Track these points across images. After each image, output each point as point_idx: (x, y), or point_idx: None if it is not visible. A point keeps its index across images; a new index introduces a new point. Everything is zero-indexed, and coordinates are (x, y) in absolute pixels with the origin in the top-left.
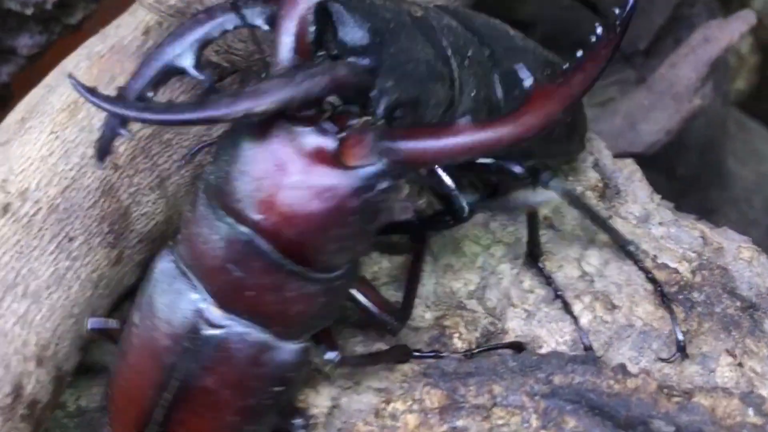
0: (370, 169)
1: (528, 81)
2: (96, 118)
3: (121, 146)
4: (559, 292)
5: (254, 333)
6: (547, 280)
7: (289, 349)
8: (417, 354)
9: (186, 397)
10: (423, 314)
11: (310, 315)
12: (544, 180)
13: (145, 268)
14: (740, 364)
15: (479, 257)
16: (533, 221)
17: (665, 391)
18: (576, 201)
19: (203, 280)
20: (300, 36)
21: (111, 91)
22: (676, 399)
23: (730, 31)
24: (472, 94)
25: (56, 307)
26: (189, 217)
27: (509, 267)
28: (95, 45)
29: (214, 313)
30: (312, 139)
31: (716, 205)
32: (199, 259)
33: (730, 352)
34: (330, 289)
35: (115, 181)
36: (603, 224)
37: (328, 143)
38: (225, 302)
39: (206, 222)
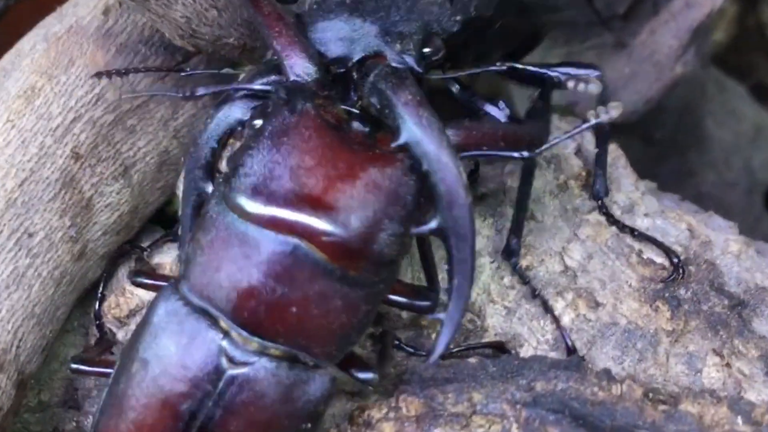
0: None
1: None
2: (54, 104)
3: (82, 134)
4: (537, 291)
5: (284, 367)
6: (523, 280)
7: (320, 380)
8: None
9: None
10: (399, 313)
11: (352, 327)
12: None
13: (110, 264)
14: (728, 365)
15: None
16: (521, 212)
17: (651, 396)
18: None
19: (230, 310)
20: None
21: (68, 75)
22: (662, 407)
23: None
24: None
25: (16, 308)
26: (205, 241)
27: (488, 260)
28: (52, 25)
29: (239, 349)
30: (361, 128)
31: (694, 168)
32: (223, 285)
33: (718, 352)
34: (373, 293)
35: (76, 172)
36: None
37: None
38: (260, 328)
39: (235, 239)
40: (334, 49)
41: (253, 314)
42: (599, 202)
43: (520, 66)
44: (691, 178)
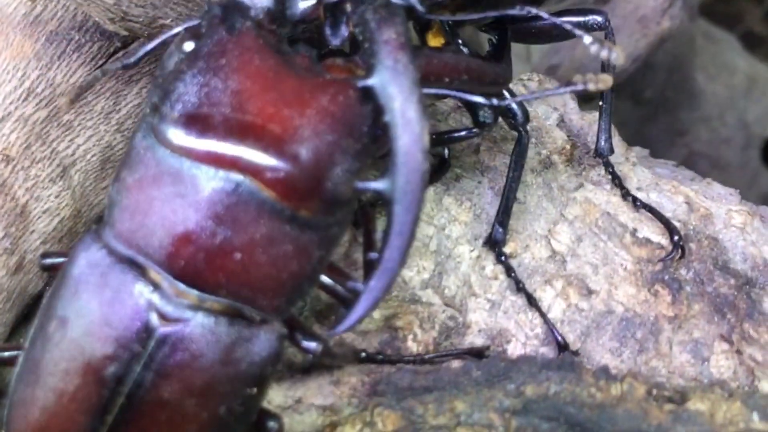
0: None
1: None
2: None
3: (12, 134)
4: (521, 285)
5: (224, 323)
6: (508, 271)
7: (265, 338)
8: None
9: (137, 415)
10: (364, 318)
11: (303, 276)
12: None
13: (51, 274)
14: (738, 351)
15: (433, 239)
16: (510, 197)
17: (655, 394)
18: None
19: (163, 259)
20: None
21: None
22: (668, 407)
23: None
24: None
25: None
26: (132, 180)
27: (468, 249)
28: None
29: (172, 303)
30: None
31: (686, 125)
32: (155, 231)
33: (726, 338)
34: (327, 238)
35: (7, 177)
36: None
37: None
38: (198, 279)
39: (168, 177)
40: None
41: (190, 263)
42: (604, 160)
43: (540, 12)
44: (683, 136)
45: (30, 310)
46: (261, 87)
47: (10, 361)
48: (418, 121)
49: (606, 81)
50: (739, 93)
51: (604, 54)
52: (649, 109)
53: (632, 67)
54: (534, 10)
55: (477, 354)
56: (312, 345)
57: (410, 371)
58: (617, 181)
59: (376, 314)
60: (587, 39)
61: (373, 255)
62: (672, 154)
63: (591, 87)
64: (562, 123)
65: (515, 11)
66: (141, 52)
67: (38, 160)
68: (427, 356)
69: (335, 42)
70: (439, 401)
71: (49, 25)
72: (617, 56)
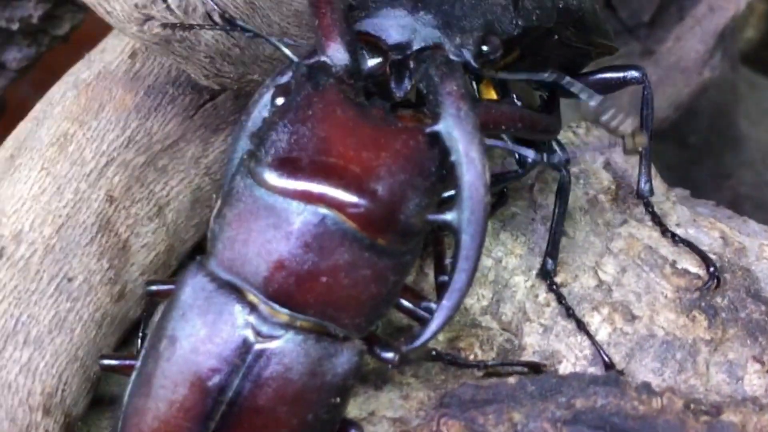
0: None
1: None
2: (87, 149)
3: (115, 177)
4: (570, 311)
5: (311, 340)
6: (559, 299)
7: (348, 353)
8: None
9: (236, 421)
10: (436, 336)
11: (380, 297)
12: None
13: (149, 303)
14: None
15: (491, 270)
16: (557, 232)
17: (692, 407)
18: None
19: (260, 282)
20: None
21: (99, 120)
22: (704, 418)
23: None
24: None
25: (60, 352)
26: (232, 215)
27: (523, 279)
28: (81, 72)
29: (267, 323)
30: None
31: (730, 169)
32: (252, 258)
33: (758, 359)
34: (400, 264)
35: (111, 215)
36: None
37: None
38: (290, 299)
39: (264, 211)
40: (395, 36)
41: (283, 285)
42: (645, 200)
43: (568, 79)
44: (727, 179)
45: (129, 335)
46: (342, 134)
47: (121, 369)
48: (480, 160)
49: (641, 142)
50: None
51: (614, 124)
52: (693, 153)
53: (675, 114)
54: (562, 76)
55: (534, 367)
56: (390, 355)
57: (472, 386)
58: (657, 219)
59: (441, 336)
60: (602, 114)
61: (444, 278)
62: (718, 196)
63: (628, 145)
64: (608, 165)
65: (545, 76)
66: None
67: (137, 200)
68: (489, 363)
69: (399, 93)
70: (498, 412)
71: (147, 80)
72: (627, 126)
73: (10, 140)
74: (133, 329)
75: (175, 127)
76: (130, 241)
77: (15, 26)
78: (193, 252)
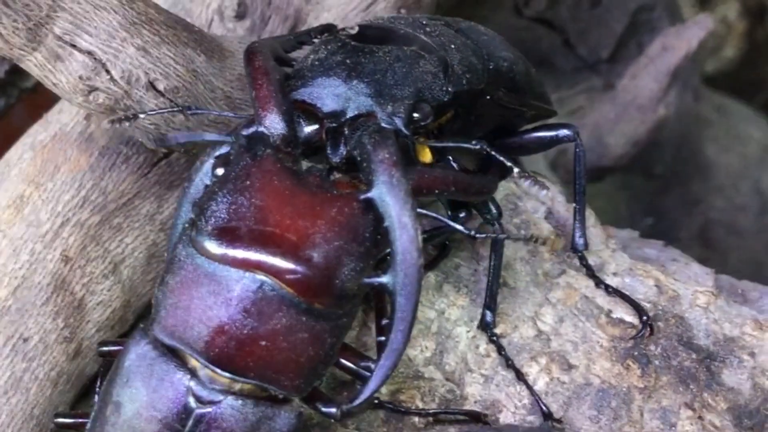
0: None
1: None
2: (43, 211)
3: (70, 237)
4: (510, 361)
5: (250, 404)
6: (499, 350)
7: (286, 415)
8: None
9: None
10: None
11: (319, 359)
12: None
13: (106, 359)
14: (700, 417)
15: (434, 322)
16: (494, 286)
17: None
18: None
19: (201, 347)
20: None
21: (54, 182)
22: None
23: (688, 39)
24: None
25: (15, 412)
26: (174, 282)
27: (465, 330)
28: (38, 133)
29: (206, 388)
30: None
31: (700, 195)
32: (194, 324)
33: (690, 406)
34: (338, 327)
35: (66, 275)
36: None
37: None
38: (231, 363)
39: (204, 279)
40: (330, 104)
41: (224, 349)
42: (579, 254)
43: (491, 152)
44: (696, 206)
45: (88, 390)
46: (279, 203)
47: (75, 427)
48: (412, 225)
49: (557, 244)
50: (753, 162)
51: (534, 191)
52: (660, 183)
53: (634, 149)
54: (486, 147)
55: (475, 416)
56: (332, 411)
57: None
58: (590, 272)
59: (384, 389)
60: (521, 179)
61: (382, 338)
62: (688, 223)
63: (547, 247)
64: (550, 215)
65: (470, 145)
66: (173, 141)
67: (93, 259)
68: (431, 410)
69: (335, 159)
70: None
71: (101, 140)
72: (546, 193)
73: None
74: (91, 384)
75: (130, 185)
76: (85, 300)
77: None
78: (150, 307)
